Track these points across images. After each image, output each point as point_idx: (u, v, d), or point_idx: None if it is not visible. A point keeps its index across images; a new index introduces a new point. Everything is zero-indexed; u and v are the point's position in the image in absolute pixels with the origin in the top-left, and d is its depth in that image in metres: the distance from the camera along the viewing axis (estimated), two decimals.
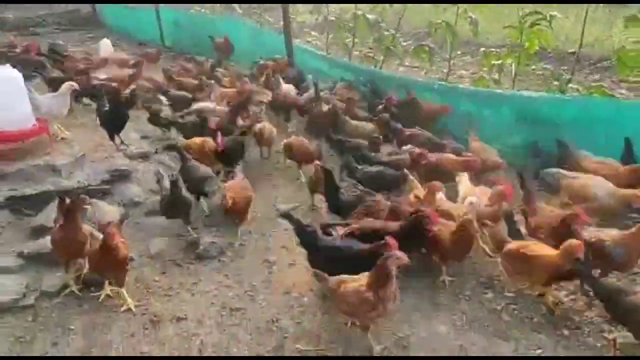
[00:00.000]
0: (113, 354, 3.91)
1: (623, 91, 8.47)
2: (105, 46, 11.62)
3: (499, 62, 7.89)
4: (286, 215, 4.68)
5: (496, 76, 8.01)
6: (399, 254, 3.65)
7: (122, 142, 6.93)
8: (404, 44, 11.29)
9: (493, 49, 8.53)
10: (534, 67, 8.98)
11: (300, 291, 4.60)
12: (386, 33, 9.94)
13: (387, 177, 5.74)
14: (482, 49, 8.73)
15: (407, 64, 11.31)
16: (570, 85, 7.02)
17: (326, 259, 4.26)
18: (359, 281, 3.73)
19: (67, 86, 6.89)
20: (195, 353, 3.94)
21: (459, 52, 11.53)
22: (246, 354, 3.92)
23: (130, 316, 4.29)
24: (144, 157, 6.83)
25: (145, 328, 4.18)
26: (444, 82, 8.57)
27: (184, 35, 13.74)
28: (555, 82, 7.18)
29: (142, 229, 5.54)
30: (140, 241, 5.30)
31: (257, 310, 4.40)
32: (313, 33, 12.55)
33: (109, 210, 5.23)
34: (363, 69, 9.54)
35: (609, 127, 5.83)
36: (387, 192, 5.46)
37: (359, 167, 5.91)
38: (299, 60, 10.42)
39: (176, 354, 3.93)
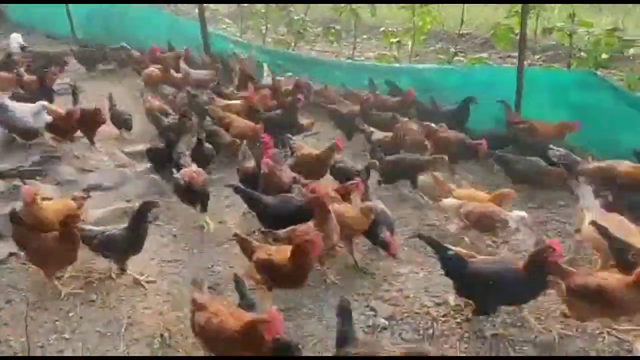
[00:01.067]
0: (65, 306, 4.38)
1: (508, 65, 9.71)
2: (15, 41, 11.48)
3: (397, 40, 8.84)
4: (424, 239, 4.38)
5: (395, 53, 8.97)
6: None
7: None
8: (316, 30, 12.09)
9: (392, 30, 9.50)
10: (432, 47, 10.07)
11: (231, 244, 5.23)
12: (296, 18, 10.67)
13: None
14: (382, 28, 9.67)
15: (317, 48, 12.12)
16: (456, 58, 8.08)
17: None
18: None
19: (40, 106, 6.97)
20: (137, 299, 4.48)
21: (365, 36, 12.51)
22: (187, 295, 4.52)
23: (76, 274, 4.76)
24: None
25: (91, 282, 4.68)
26: (350, 60, 9.44)
27: (97, 27, 13.67)
28: (441, 56, 8.22)
29: None
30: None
31: (193, 260, 5.01)
32: (227, 20, 13.03)
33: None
34: (278, 52, 10.21)
35: (487, 91, 6.89)
36: None
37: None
38: (215, 47, 10.91)
39: (124, 300, 4.47)
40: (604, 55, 7.11)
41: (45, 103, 6.87)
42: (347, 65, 8.87)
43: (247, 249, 4.28)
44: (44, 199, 5.16)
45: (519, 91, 6.58)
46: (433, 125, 6.47)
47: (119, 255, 4.63)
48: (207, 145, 6.42)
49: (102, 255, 4.66)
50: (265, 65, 9.04)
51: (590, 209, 4.59)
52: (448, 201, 5.21)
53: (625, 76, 7.59)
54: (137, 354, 3.90)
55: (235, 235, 4.45)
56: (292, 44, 10.84)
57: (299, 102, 7.11)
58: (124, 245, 4.57)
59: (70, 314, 4.28)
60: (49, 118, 6.70)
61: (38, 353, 3.87)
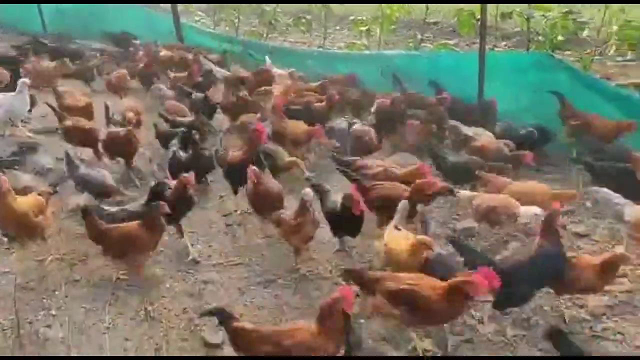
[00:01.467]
0: (50, 286, 4.55)
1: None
2: None
3: (366, 28, 9.12)
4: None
5: (365, 42, 9.25)
6: None
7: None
8: (287, 21, 12.29)
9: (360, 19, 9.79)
10: (402, 35, 10.38)
11: None
12: (267, 9, 10.88)
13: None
14: (351, 17, 9.95)
15: (290, 39, 12.35)
16: (423, 44, 8.39)
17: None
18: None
19: (22, 83, 7.08)
20: (123, 277, 4.68)
21: (337, 27, 12.80)
22: (167, 273, 4.74)
23: (59, 256, 4.94)
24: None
25: (74, 264, 4.87)
26: (321, 49, 9.71)
27: (70, 23, 13.59)
28: (411, 43, 8.54)
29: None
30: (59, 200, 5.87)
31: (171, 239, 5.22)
32: (200, 12, 13.14)
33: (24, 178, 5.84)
34: (251, 43, 10.42)
35: (452, 75, 7.22)
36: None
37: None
38: (189, 39, 11.05)
39: (107, 279, 4.66)
40: (559, 38, 7.49)
41: (26, 80, 7.02)
42: (318, 54, 9.11)
43: (365, 283, 3.73)
44: (24, 188, 5.36)
45: (481, 74, 6.90)
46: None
47: None
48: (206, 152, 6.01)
49: None
50: (267, 58, 8.79)
51: None
52: (464, 193, 5.12)
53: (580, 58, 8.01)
54: (122, 326, 4.10)
55: (345, 272, 4.02)
56: (265, 35, 11.03)
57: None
58: None
59: (56, 292, 4.45)
60: None
61: (27, 328, 4.05)
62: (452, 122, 6.41)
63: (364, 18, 9.44)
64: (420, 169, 5.13)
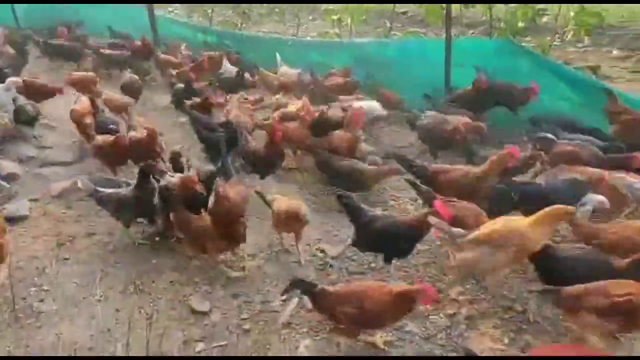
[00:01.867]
0: (40, 265, 4.74)
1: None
2: None
3: (337, 17, 9.41)
4: None
5: (337, 30, 9.55)
6: None
7: None
8: (260, 11, 12.53)
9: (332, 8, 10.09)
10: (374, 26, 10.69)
11: None
12: None
13: None
14: (323, 7, 10.25)
15: (263, 29, 12.58)
16: (392, 32, 8.73)
17: None
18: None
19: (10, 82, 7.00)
20: (108, 255, 4.90)
21: (310, 18, 13.07)
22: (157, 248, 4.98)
23: (47, 238, 5.13)
24: None
25: (62, 244, 5.06)
26: (295, 38, 9.97)
27: (42, 15, 13.51)
28: (380, 29, 8.87)
29: (41, 177, 6.26)
30: (42, 186, 6.03)
31: None
32: (174, 5, 13.27)
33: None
34: (225, 33, 10.61)
35: (420, 61, 7.57)
36: None
37: None
38: (164, 30, 11.16)
39: (96, 256, 4.87)
40: (520, 24, 7.90)
41: (15, 79, 7.04)
42: (292, 42, 9.37)
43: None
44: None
45: (447, 60, 7.26)
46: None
47: (128, 215, 4.96)
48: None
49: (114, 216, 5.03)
50: (277, 56, 8.43)
51: None
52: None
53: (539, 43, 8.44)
54: (112, 299, 4.34)
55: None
56: (239, 25, 11.23)
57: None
58: (132, 207, 4.89)
59: (46, 271, 4.65)
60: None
61: (21, 304, 4.25)
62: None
63: (335, 8, 9.74)
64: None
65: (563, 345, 3.69)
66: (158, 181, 4.96)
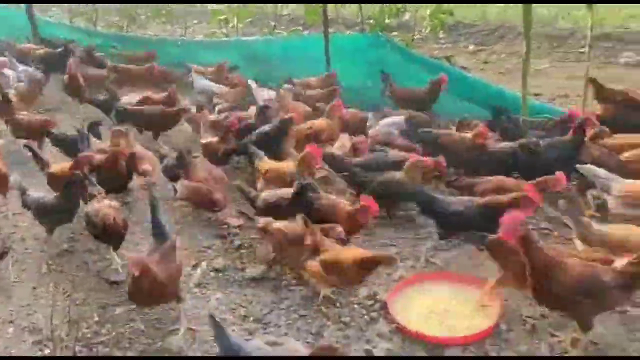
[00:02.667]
0: None
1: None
2: None
3: (224, 17, 9.97)
4: None
5: (224, 31, 10.10)
6: None
7: None
8: (147, 14, 12.71)
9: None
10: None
11: None
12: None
13: None
14: (209, 8, 10.76)
15: (150, 32, 12.76)
16: (276, 31, 9.45)
17: None
18: None
19: None
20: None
21: (195, 21, 13.51)
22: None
23: None
24: None
25: None
26: (184, 38, 10.36)
27: None
28: (265, 30, 9.56)
29: None
30: None
31: None
32: (54, 9, 13.02)
33: None
34: (110, 35, 10.73)
35: (303, 57, 8.33)
36: None
37: None
38: (46, 33, 11.01)
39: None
40: (387, 21, 8.97)
41: None
42: (182, 42, 9.77)
43: None
44: None
45: (327, 55, 8.08)
46: None
47: (50, 222, 4.95)
48: None
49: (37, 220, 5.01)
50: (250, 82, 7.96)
51: None
52: None
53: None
54: (28, 279, 4.58)
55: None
56: (125, 28, 11.38)
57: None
58: (54, 213, 4.90)
59: None
60: None
61: None
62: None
63: (222, 8, 10.29)
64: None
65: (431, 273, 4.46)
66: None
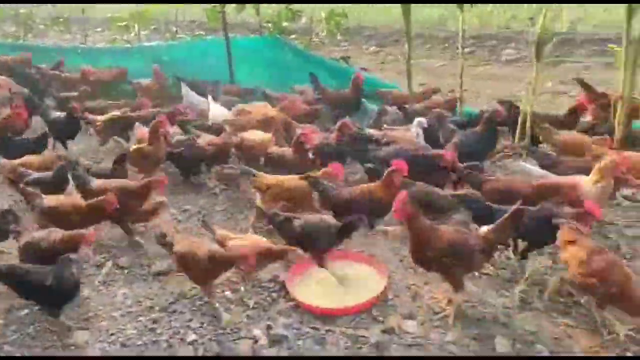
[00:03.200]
0: None
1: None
2: None
3: (124, 24, 9.95)
4: None
5: (126, 37, 10.08)
6: None
7: None
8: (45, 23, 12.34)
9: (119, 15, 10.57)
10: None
11: None
12: (22, 10, 10.94)
13: None
14: (109, 15, 10.69)
15: (48, 41, 12.41)
16: (178, 36, 9.57)
17: None
18: None
19: None
20: None
21: (97, 29, 13.31)
22: None
23: None
24: None
25: None
26: (85, 46, 10.23)
27: None
28: (168, 34, 9.65)
29: None
30: None
31: None
32: None
33: None
34: (6, 44, 10.38)
35: (206, 59, 8.53)
36: None
37: None
38: None
39: None
40: (285, 24, 9.36)
41: None
42: (81, 50, 9.65)
43: None
44: None
45: (229, 58, 8.33)
46: None
47: None
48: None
49: None
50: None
51: None
52: None
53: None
54: None
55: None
56: (22, 37, 11.04)
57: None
58: None
59: None
60: None
61: None
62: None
63: (122, 15, 10.26)
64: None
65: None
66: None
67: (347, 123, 6.01)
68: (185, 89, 7.70)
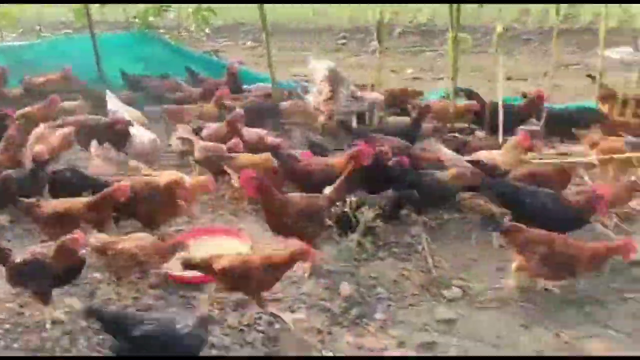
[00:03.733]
0: None
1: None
2: None
3: None
4: None
5: None
6: None
7: None
8: None
9: None
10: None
11: None
12: None
13: None
14: None
15: None
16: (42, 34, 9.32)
17: None
18: None
19: None
20: None
21: None
22: None
23: None
24: None
25: None
26: None
27: None
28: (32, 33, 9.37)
29: None
30: None
31: None
32: None
33: None
34: None
35: (72, 58, 8.36)
36: None
37: None
38: None
39: None
40: (151, 19, 9.44)
41: None
42: None
43: None
44: None
45: (96, 54, 8.24)
46: None
47: None
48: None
49: None
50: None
51: None
52: None
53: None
54: None
55: None
56: None
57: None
58: None
59: None
60: None
61: None
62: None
63: None
64: None
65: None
66: None
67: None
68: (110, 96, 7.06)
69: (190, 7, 9.70)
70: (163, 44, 8.47)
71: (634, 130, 6.20)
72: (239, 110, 6.23)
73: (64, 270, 3.77)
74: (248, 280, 3.75)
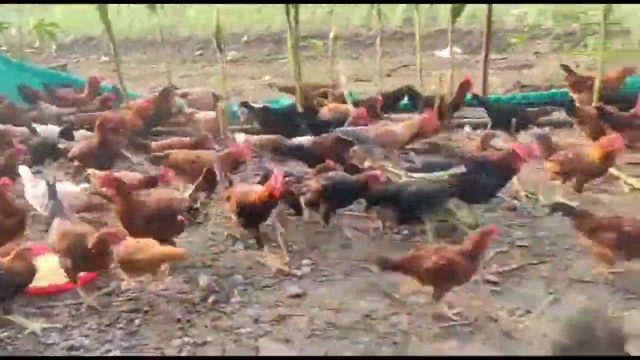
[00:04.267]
0: None
1: None
2: None
3: None
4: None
5: None
6: None
7: None
8: None
9: None
10: None
11: None
12: None
13: None
14: None
15: None
16: None
17: None
18: None
19: None
20: None
21: None
22: None
23: None
24: None
25: None
26: None
27: None
28: None
29: None
30: None
31: None
32: None
33: None
34: None
35: None
36: None
37: None
38: None
39: None
40: None
41: None
42: None
43: None
44: None
45: None
46: None
47: None
48: None
49: None
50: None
51: None
52: None
53: None
54: None
55: None
56: None
57: None
58: None
59: None
60: None
61: None
62: None
63: None
64: None
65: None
66: None
67: None
68: None
69: (32, 23, 9.33)
70: (2, 60, 8.07)
71: None
72: None
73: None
74: None
